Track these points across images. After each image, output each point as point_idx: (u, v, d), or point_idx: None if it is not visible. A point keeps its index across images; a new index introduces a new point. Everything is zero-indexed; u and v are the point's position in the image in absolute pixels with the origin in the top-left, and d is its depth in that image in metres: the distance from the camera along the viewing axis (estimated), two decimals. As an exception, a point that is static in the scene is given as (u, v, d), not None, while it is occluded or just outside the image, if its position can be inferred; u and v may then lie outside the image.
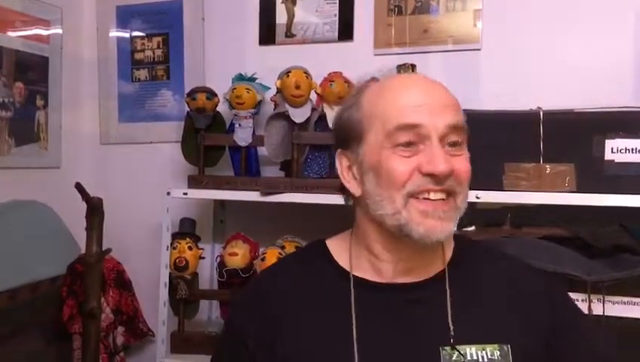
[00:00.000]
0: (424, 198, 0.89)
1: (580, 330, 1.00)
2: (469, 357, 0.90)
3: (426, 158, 0.88)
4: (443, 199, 0.89)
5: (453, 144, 0.91)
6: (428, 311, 0.94)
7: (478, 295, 0.97)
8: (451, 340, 0.90)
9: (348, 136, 0.97)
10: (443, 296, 0.95)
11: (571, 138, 1.53)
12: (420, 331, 0.92)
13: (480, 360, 0.90)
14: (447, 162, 0.88)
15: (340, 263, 1.00)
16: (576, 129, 1.54)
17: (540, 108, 1.65)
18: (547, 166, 1.53)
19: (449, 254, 1.01)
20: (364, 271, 0.98)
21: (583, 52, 1.79)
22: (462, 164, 0.91)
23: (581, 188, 1.50)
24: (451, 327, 0.91)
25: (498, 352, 0.91)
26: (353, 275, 0.97)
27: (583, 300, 1.37)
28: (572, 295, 1.36)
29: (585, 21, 1.80)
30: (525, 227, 1.54)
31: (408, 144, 0.89)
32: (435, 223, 0.88)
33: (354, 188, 0.98)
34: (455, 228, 0.91)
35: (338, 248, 1.03)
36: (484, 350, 0.91)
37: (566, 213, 1.54)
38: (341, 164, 1.00)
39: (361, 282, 0.97)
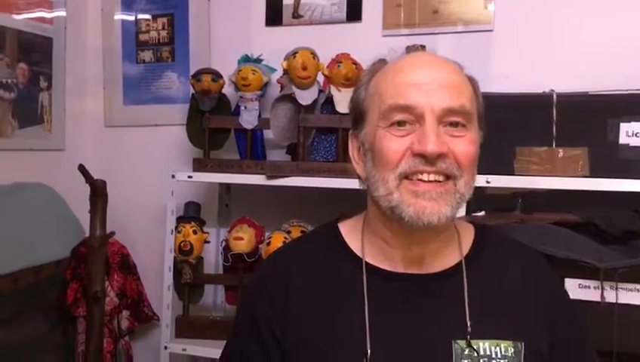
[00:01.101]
0: (417, 180, 0.86)
1: (579, 350, 0.97)
2: (482, 352, 0.88)
3: (417, 138, 0.85)
4: (439, 181, 0.86)
5: (455, 124, 0.87)
6: (443, 303, 0.91)
7: (495, 289, 0.94)
8: (468, 337, 0.88)
9: (355, 117, 0.96)
10: (459, 289, 0.92)
11: (585, 121, 1.49)
12: (434, 323, 0.90)
13: (493, 356, 0.88)
14: (438, 142, 0.84)
15: (353, 248, 0.98)
16: (590, 112, 1.50)
17: (552, 90, 1.61)
18: (560, 150, 1.50)
19: (467, 244, 0.98)
20: (376, 258, 0.95)
21: (597, 33, 1.74)
22: (462, 145, 0.87)
23: (595, 173, 1.46)
24: (468, 322, 0.89)
25: (512, 349, 0.89)
26: (366, 262, 0.95)
27: (595, 287, 1.34)
28: (584, 282, 1.34)
29: (599, 2, 1.75)
30: (537, 213, 1.50)
31: (402, 123, 0.87)
32: (427, 204, 0.85)
33: (360, 170, 0.96)
34: (453, 213, 0.87)
35: (350, 232, 1.00)
36: (497, 346, 0.89)
37: (579, 199, 1.50)
38: (352, 145, 0.98)
39: (373, 270, 0.94)
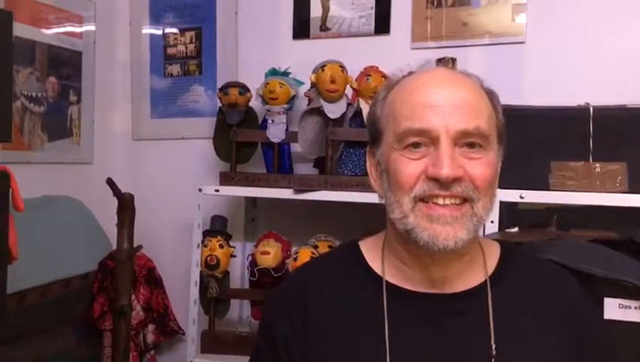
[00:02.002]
0: (433, 203, 0.84)
1: None
2: None
3: (431, 161, 0.83)
4: (456, 204, 0.83)
5: (471, 145, 0.84)
6: (466, 324, 0.88)
7: (521, 311, 0.90)
8: (492, 360, 0.85)
9: (372, 135, 0.94)
10: (484, 310, 0.89)
11: (623, 135, 1.45)
12: (457, 345, 0.87)
13: None
14: (453, 166, 0.82)
15: (373, 267, 0.95)
16: (629, 126, 1.46)
17: (588, 103, 1.57)
18: (597, 165, 1.45)
19: (492, 264, 0.94)
20: (396, 277, 0.93)
21: (633, 44, 1.70)
22: (479, 168, 0.84)
23: (634, 189, 1.42)
24: (493, 345, 0.86)
25: None
26: (386, 281, 0.92)
27: (636, 307, 1.28)
28: (625, 302, 1.29)
29: (636, 11, 1.70)
30: (573, 229, 1.46)
31: (417, 145, 0.85)
32: (442, 229, 0.82)
33: (378, 188, 0.94)
34: (470, 237, 0.84)
35: (371, 251, 0.98)
36: None
37: (617, 216, 1.45)
38: (370, 162, 0.96)
39: (394, 289, 0.92)
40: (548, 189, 1.49)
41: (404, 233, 0.86)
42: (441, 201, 0.83)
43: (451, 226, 0.83)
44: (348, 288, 0.94)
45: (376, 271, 0.94)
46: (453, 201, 0.83)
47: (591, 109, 1.48)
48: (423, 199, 0.84)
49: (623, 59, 1.69)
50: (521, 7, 1.81)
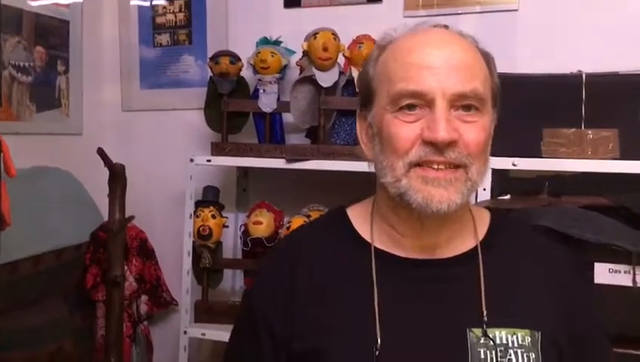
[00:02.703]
0: (427, 167, 0.83)
1: (598, 348, 0.95)
2: (498, 341, 0.84)
3: (427, 124, 0.82)
4: (450, 168, 0.83)
5: (467, 108, 0.83)
6: (457, 290, 0.88)
7: (512, 276, 0.91)
8: (484, 326, 0.85)
9: (364, 97, 0.92)
10: (474, 276, 0.88)
11: (615, 102, 1.45)
12: (448, 311, 0.86)
13: (509, 344, 0.85)
14: (449, 129, 0.81)
15: (361, 233, 0.94)
16: (621, 93, 1.46)
17: (580, 71, 1.57)
18: (589, 131, 1.46)
19: (482, 230, 0.94)
20: (385, 244, 0.92)
21: (626, 11, 1.69)
22: (473, 133, 0.83)
23: (625, 155, 1.42)
24: (484, 311, 0.85)
25: (529, 339, 0.85)
26: (375, 247, 0.91)
27: (626, 272, 1.30)
28: (615, 266, 1.31)
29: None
30: (564, 196, 1.47)
31: (412, 107, 0.83)
32: (436, 191, 0.82)
33: (369, 153, 0.92)
34: (463, 201, 0.84)
35: (359, 217, 0.96)
36: (514, 334, 0.85)
37: (609, 182, 1.46)
38: (360, 125, 0.94)
39: (383, 255, 0.91)
40: (540, 156, 1.49)
41: (397, 197, 0.84)
42: (435, 166, 0.82)
43: (445, 189, 0.82)
44: (336, 255, 0.93)
45: (365, 237, 0.93)
46: (447, 167, 0.83)
47: (584, 76, 1.48)
48: (418, 164, 0.83)
49: (616, 27, 1.69)
50: (515, -26, 1.80)
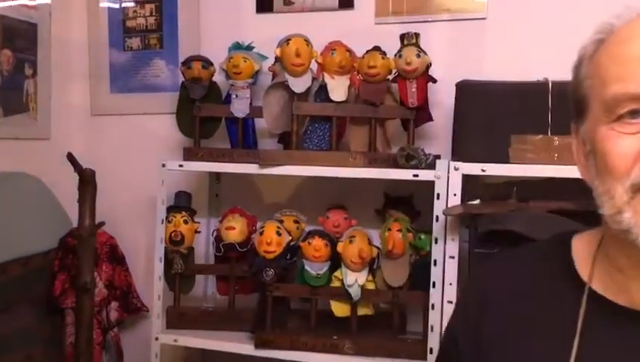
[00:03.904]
0: None
1: None
2: None
3: None
4: None
5: None
6: None
7: None
8: None
9: (575, 106, 0.76)
10: None
11: (580, 109, 1.49)
12: None
13: None
14: None
15: (580, 269, 0.78)
16: (586, 100, 1.49)
17: (546, 78, 1.61)
18: (555, 138, 1.49)
19: None
20: (606, 286, 0.74)
21: (592, 20, 1.73)
22: None
23: (590, 161, 1.46)
24: None
25: None
26: (590, 289, 0.75)
27: (591, 275, 1.34)
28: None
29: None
30: (532, 201, 1.50)
31: (634, 113, 0.65)
32: None
33: (585, 175, 0.75)
34: None
35: (583, 249, 0.80)
36: None
37: (575, 187, 1.49)
38: (575, 142, 0.79)
39: (598, 300, 0.74)
40: (508, 162, 1.53)
41: (619, 233, 0.67)
42: None
43: None
44: (540, 290, 0.79)
45: (582, 274, 0.76)
46: None
47: (550, 84, 1.51)
48: None
49: (582, 36, 1.73)
50: (483, -16, 1.83)
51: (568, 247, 0.81)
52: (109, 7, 2.21)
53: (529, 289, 0.80)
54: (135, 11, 2.18)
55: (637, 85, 0.64)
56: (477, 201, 1.55)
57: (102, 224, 1.80)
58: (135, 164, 2.18)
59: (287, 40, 1.70)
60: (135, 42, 2.19)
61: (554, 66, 1.66)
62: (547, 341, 0.75)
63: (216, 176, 2.08)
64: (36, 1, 2.08)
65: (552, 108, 1.50)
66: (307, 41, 1.71)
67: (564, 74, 1.58)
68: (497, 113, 1.56)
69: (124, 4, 2.20)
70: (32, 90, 2.07)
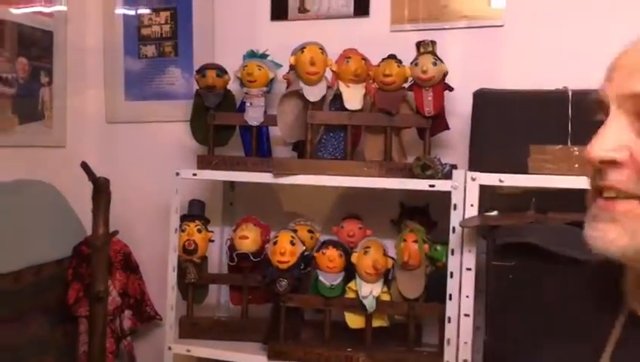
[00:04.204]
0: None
1: None
2: None
3: None
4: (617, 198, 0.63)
5: None
6: None
7: None
8: None
9: None
10: None
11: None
12: None
13: None
14: (599, 144, 0.63)
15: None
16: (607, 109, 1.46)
17: (566, 87, 1.58)
18: (575, 148, 1.46)
19: None
20: None
21: (613, 27, 1.70)
22: None
23: (611, 172, 1.42)
24: None
25: None
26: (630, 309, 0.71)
27: (613, 289, 1.30)
28: (602, 284, 1.30)
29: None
30: (551, 212, 1.47)
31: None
32: (598, 230, 0.66)
33: None
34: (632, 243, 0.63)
35: None
36: None
37: (595, 198, 1.47)
38: None
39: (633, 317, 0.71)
40: (527, 173, 1.50)
41: None
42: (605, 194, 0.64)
43: (606, 227, 0.65)
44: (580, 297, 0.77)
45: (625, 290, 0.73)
46: (611, 195, 0.65)
47: (570, 93, 1.48)
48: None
49: (602, 43, 1.68)
50: (501, -9, 1.81)
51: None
52: (124, 15, 2.22)
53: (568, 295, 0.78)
54: (150, 19, 2.18)
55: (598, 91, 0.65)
56: (495, 212, 1.52)
57: (115, 233, 1.79)
58: (149, 171, 2.18)
59: (302, 48, 1.69)
60: (150, 50, 2.19)
61: (573, 75, 1.64)
62: (579, 347, 0.72)
63: (231, 184, 2.07)
64: (52, 9, 2.09)
65: (572, 118, 1.47)
66: (322, 49, 1.70)
67: (584, 82, 1.57)
68: (516, 122, 1.53)
69: (139, 12, 2.20)
70: (48, 98, 2.08)
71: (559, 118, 1.48)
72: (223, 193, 2.09)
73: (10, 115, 1.93)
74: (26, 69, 1.99)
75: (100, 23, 2.25)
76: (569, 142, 1.47)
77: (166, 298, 1.84)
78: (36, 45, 2.03)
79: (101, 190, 1.75)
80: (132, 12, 2.21)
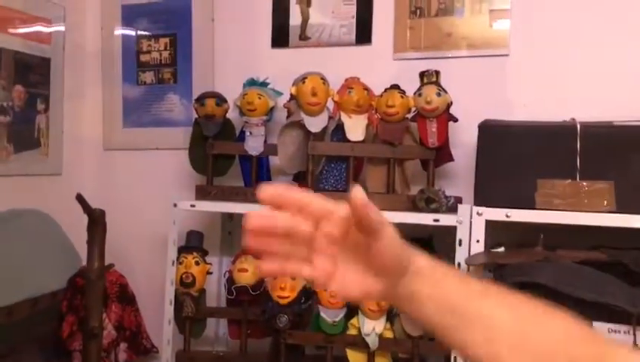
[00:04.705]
0: None
1: None
2: None
3: None
4: None
5: None
6: None
7: None
8: None
9: None
10: None
11: (610, 153, 1.41)
12: None
13: None
14: None
15: None
16: (616, 143, 1.42)
17: (574, 119, 1.54)
18: (584, 183, 1.42)
19: None
20: None
21: (621, 58, 1.67)
22: None
23: (621, 208, 1.38)
24: None
25: None
26: None
27: (626, 332, 1.26)
28: (615, 327, 1.26)
29: (624, 23, 1.67)
30: (560, 249, 1.42)
31: None
32: None
33: None
34: None
35: None
36: None
37: (605, 236, 1.42)
38: None
39: None
40: (534, 208, 1.45)
41: None
42: None
43: None
44: None
45: None
46: None
47: (578, 126, 1.44)
48: None
49: (609, 73, 1.66)
50: (505, 20, 1.77)
51: None
52: (122, 42, 2.19)
53: None
54: (149, 45, 2.16)
55: None
56: (501, 249, 1.47)
57: (110, 266, 1.75)
58: (147, 199, 2.14)
59: (304, 78, 1.65)
60: (149, 76, 2.16)
61: (581, 106, 1.62)
62: None
63: (229, 214, 2.03)
64: (51, 34, 2.06)
65: (581, 152, 1.42)
66: (324, 80, 1.66)
67: (592, 114, 1.54)
68: (522, 156, 1.49)
69: (139, 34, 2.17)
70: (44, 126, 2.04)
71: (567, 151, 1.44)
72: (222, 222, 2.05)
73: (6, 143, 1.90)
74: (22, 97, 1.95)
75: (98, 48, 2.22)
76: (578, 177, 1.43)
77: (162, 331, 1.79)
78: (33, 72, 2.00)
79: (97, 222, 1.70)
80: (132, 38, 2.18)
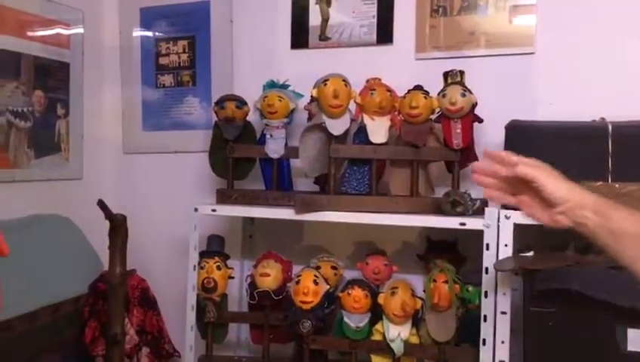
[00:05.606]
0: None
1: None
2: None
3: None
4: None
5: None
6: None
7: None
8: None
9: None
10: None
11: (643, 154, 1.37)
12: None
13: None
14: None
15: None
16: (649, 144, 1.37)
17: (604, 119, 1.50)
18: (616, 185, 1.37)
19: None
20: None
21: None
22: None
23: (656, 211, 1.33)
24: None
25: None
26: None
27: (663, 340, 1.21)
28: (651, 335, 1.22)
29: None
30: (592, 254, 1.38)
31: None
32: None
33: None
34: None
35: None
36: None
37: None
38: None
39: None
40: (564, 211, 1.40)
41: None
42: None
43: None
44: None
45: None
46: None
47: (609, 127, 1.40)
48: None
49: (636, 71, 1.61)
50: (531, 17, 1.73)
51: None
52: (141, 45, 2.18)
53: None
54: (168, 48, 2.14)
55: None
56: (530, 253, 1.43)
57: (132, 272, 1.74)
58: (167, 203, 2.13)
59: (325, 80, 1.62)
60: (168, 79, 2.15)
61: (610, 105, 1.57)
62: None
63: (251, 217, 2.01)
64: (70, 39, 2.06)
65: (613, 153, 1.38)
66: (345, 81, 1.63)
67: (621, 113, 1.50)
68: (551, 157, 1.43)
69: (158, 39, 2.16)
70: (64, 130, 2.04)
71: (599, 152, 1.40)
72: (243, 226, 2.03)
73: (26, 149, 1.90)
74: (42, 102, 1.95)
75: (116, 52, 2.22)
76: (610, 179, 1.38)
77: (184, 336, 1.78)
78: (52, 77, 2.00)
79: (118, 227, 1.69)
80: (150, 41, 2.17)
